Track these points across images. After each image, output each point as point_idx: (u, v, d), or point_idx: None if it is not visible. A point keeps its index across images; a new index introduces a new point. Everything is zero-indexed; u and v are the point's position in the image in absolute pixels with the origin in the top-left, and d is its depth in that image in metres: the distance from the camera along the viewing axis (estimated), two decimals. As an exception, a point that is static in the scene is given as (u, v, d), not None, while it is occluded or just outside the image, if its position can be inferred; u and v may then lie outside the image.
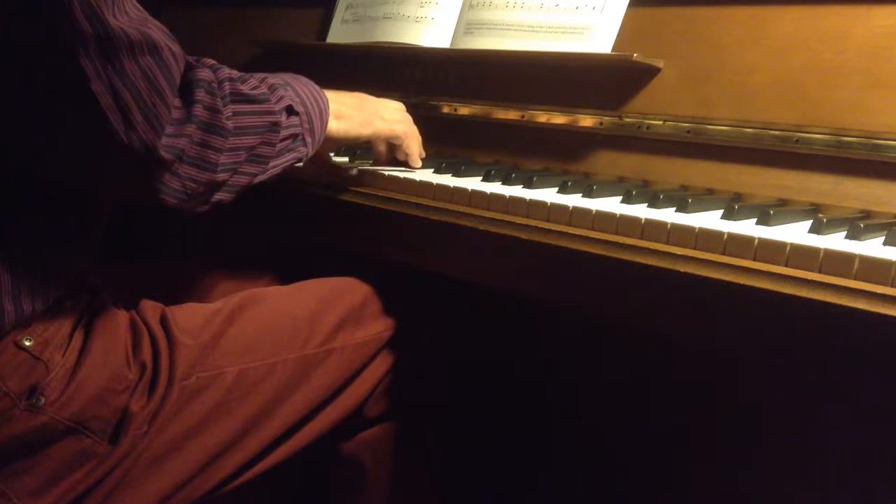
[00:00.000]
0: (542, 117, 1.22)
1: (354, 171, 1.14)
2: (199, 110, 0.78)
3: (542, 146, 1.22)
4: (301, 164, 0.99)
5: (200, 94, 0.79)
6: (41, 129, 0.75)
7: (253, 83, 0.88)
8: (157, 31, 0.76)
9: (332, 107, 1.03)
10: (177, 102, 0.77)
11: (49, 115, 0.73)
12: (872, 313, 0.69)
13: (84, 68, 0.70)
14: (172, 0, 1.84)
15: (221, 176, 0.83)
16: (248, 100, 0.85)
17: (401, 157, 1.16)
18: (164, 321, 0.93)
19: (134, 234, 1.59)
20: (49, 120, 0.74)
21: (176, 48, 0.77)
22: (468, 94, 1.31)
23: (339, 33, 1.47)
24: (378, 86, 1.15)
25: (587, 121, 1.17)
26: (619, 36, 1.15)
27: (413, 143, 1.14)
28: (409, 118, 1.15)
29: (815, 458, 1.15)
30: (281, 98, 0.91)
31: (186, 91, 0.78)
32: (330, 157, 1.19)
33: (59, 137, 0.75)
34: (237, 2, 1.72)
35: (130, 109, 0.72)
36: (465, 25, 1.30)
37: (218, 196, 0.85)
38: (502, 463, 1.49)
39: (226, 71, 0.86)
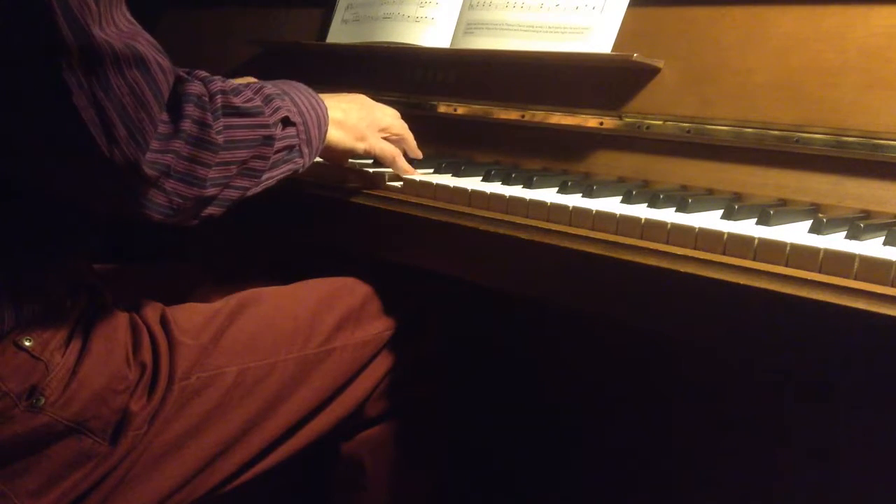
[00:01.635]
0: (542, 117, 1.22)
1: (355, 169, 1.14)
2: (187, 125, 0.77)
3: (542, 146, 1.22)
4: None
5: (189, 109, 0.77)
6: (24, 140, 0.73)
7: (247, 95, 0.86)
8: (145, 45, 0.74)
9: (332, 115, 1.01)
10: (164, 117, 0.75)
11: (32, 127, 0.72)
12: (872, 313, 0.69)
13: (66, 81, 0.69)
14: (173, 1, 1.84)
15: (210, 191, 0.81)
16: (241, 113, 0.83)
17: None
18: (164, 321, 0.93)
19: (133, 235, 1.59)
20: (32, 131, 0.73)
21: (165, 62, 0.76)
22: (468, 94, 1.31)
23: (339, 33, 1.47)
24: (378, 86, 1.15)
25: (587, 121, 1.17)
26: (619, 36, 1.15)
27: (399, 163, 1.12)
28: (403, 126, 1.15)
29: (814, 458, 1.15)
30: (277, 109, 0.89)
31: (175, 105, 0.77)
32: (346, 161, 1.17)
33: (41, 149, 0.73)
34: (237, 2, 1.72)
35: (114, 124, 0.71)
36: (465, 25, 1.30)
37: (208, 210, 0.84)
38: (503, 462, 1.49)
39: (218, 83, 0.83)
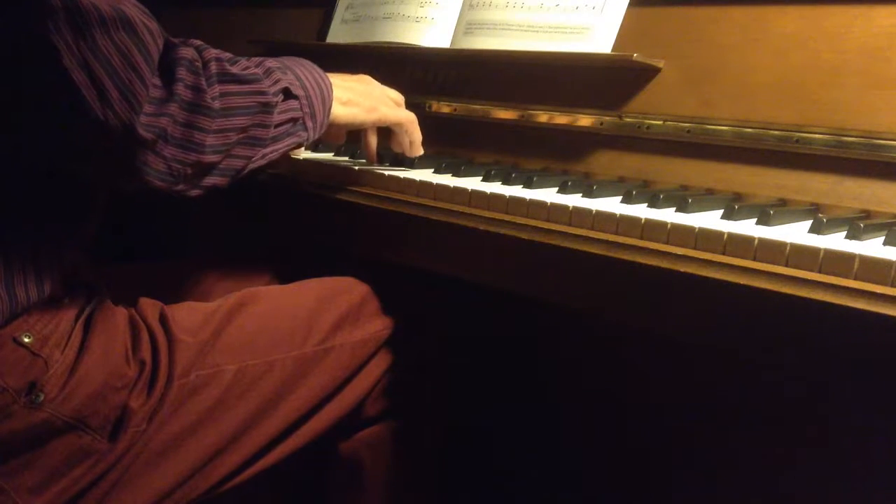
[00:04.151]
0: (542, 117, 1.22)
1: (355, 169, 1.14)
2: (180, 89, 0.77)
3: (542, 146, 1.22)
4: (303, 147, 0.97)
5: (182, 73, 0.77)
6: (19, 108, 0.74)
7: (244, 65, 0.87)
8: (132, 8, 0.74)
9: (337, 92, 1.02)
10: (156, 81, 0.76)
11: (25, 93, 0.73)
12: (872, 313, 0.69)
13: (55, 43, 0.69)
14: (173, 0, 1.84)
15: (210, 157, 0.81)
16: (237, 80, 0.84)
17: (399, 148, 1.15)
18: (163, 319, 0.93)
19: (132, 234, 1.59)
20: (25, 97, 0.73)
21: (153, 25, 0.76)
22: (468, 94, 1.31)
23: (339, 33, 1.47)
24: (378, 85, 1.15)
25: (587, 121, 1.17)
26: (619, 36, 1.15)
27: (415, 129, 1.13)
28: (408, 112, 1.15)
29: (814, 458, 1.15)
30: (277, 81, 0.89)
31: (167, 70, 0.77)
32: (345, 139, 1.17)
33: (37, 116, 0.74)
34: (237, 2, 1.72)
35: (105, 86, 0.71)
36: (465, 25, 1.30)
37: (211, 180, 0.84)
38: (503, 462, 1.49)
39: (214, 51, 0.84)
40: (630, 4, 1.15)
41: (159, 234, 1.76)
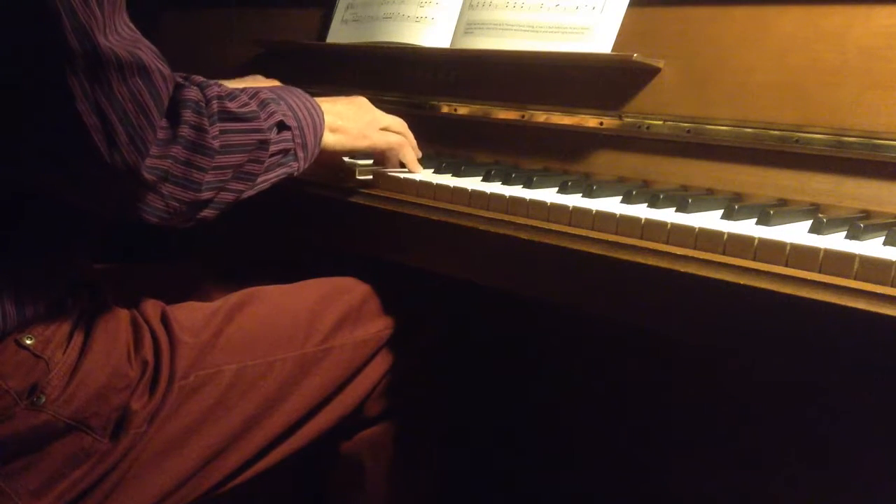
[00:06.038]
0: (542, 117, 1.22)
1: (357, 173, 1.14)
2: (185, 130, 0.78)
3: (542, 146, 1.22)
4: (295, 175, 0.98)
5: (188, 115, 0.78)
6: (27, 145, 0.74)
7: (243, 100, 0.88)
8: (147, 53, 0.75)
9: (328, 119, 1.02)
10: (163, 123, 0.77)
11: (34, 131, 0.73)
12: (872, 313, 0.69)
13: (71, 87, 0.70)
14: (173, 1, 1.84)
15: (206, 195, 0.82)
16: (237, 118, 0.85)
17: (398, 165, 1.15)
18: (165, 319, 0.93)
19: (134, 235, 1.59)
20: (34, 136, 0.73)
21: (166, 70, 0.77)
22: (468, 94, 1.31)
23: (339, 33, 1.47)
24: (378, 86, 1.15)
25: (587, 121, 1.17)
26: (619, 36, 1.15)
27: (408, 151, 1.13)
28: (403, 124, 1.15)
29: (815, 458, 1.15)
30: (272, 114, 0.90)
31: (173, 111, 0.78)
32: (342, 162, 1.17)
33: (43, 153, 0.74)
34: (237, 2, 1.72)
35: (116, 130, 0.72)
36: (465, 25, 1.30)
37: (203, 213, 0.85)
38: (503, 462, 1.49)
39: (215, 88, 0.85)
40: (630, 4, 1.15)
41: (160, 235, 1.76)
